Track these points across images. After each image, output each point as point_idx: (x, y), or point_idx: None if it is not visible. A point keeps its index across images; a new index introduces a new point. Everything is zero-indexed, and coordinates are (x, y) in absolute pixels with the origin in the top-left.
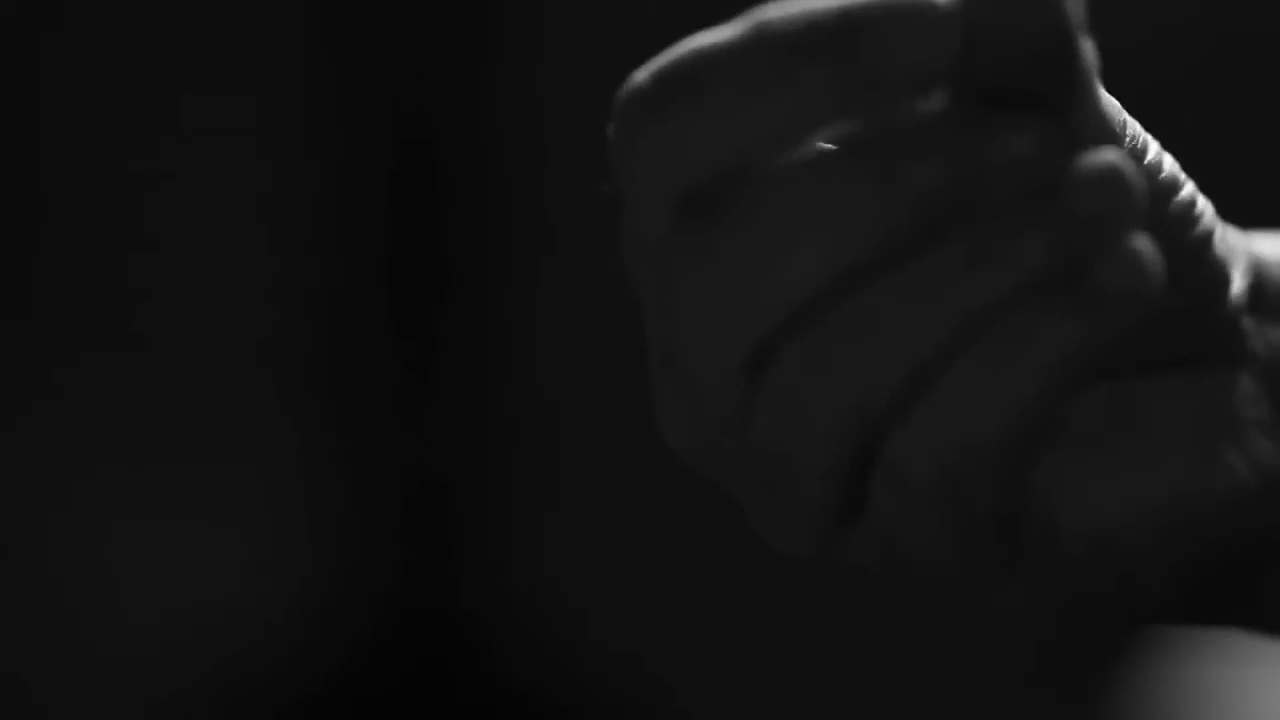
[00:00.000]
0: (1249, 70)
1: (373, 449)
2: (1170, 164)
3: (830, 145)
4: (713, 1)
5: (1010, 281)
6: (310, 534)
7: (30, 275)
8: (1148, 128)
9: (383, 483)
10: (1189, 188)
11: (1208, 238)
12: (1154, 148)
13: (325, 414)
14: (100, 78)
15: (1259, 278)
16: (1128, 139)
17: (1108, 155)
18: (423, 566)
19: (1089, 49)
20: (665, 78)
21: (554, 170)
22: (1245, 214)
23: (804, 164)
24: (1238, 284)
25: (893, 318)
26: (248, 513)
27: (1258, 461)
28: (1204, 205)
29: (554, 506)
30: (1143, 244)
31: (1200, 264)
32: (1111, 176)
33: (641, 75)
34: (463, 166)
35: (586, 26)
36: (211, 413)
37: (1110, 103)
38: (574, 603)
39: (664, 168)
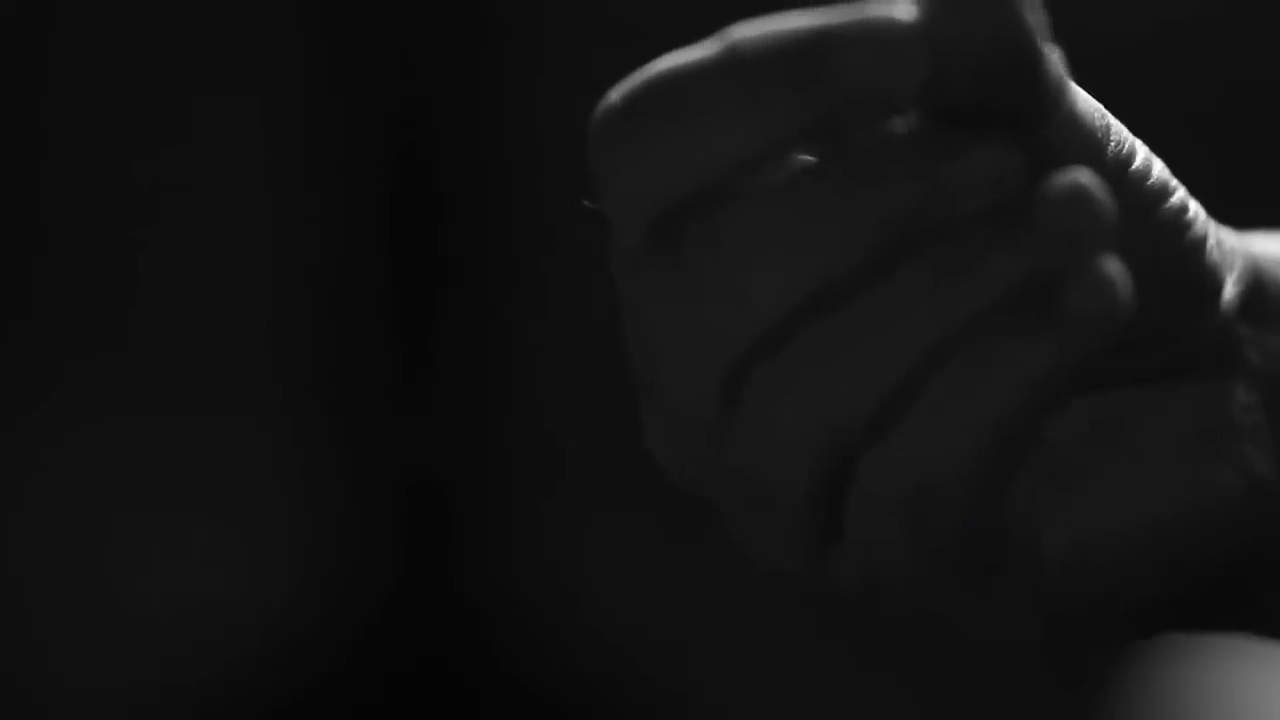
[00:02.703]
0: (1249, 70)
1: (373, 449)
2: (1160, 169)
3: (800, 167)
4: (710, 12)
5: (978, 302)
6: (310, 534)
7: (30, 275)
8: (1145, 126)
9: (383, 482)
10: (1180, 194)
11: (1199, 244)
12: (1141, 153)
13: (325, 414)
14: (101, 79)
15: (1257, 282)
16: (1112, 145)
17: (1077, 174)
18: (423, 566)
19: (1055, 61)
20: (636, 97)
21: (554, 167)
22: (1245, 214)
23: (771, 186)
24: (1230, 291)
25: (861, 339)
26: (247, 512)
27: (1248, 470)
28: (1196, 210)
29: (553, 505)
30: (1113, 266)
31: (1191, 271)
32: (1080, 196)
33: (614, 94)
34: (463, 166)
35: (587, 28)
36: (211, 413)
37: (1091, 110)
38: (574, 601)
39: (635, 188)
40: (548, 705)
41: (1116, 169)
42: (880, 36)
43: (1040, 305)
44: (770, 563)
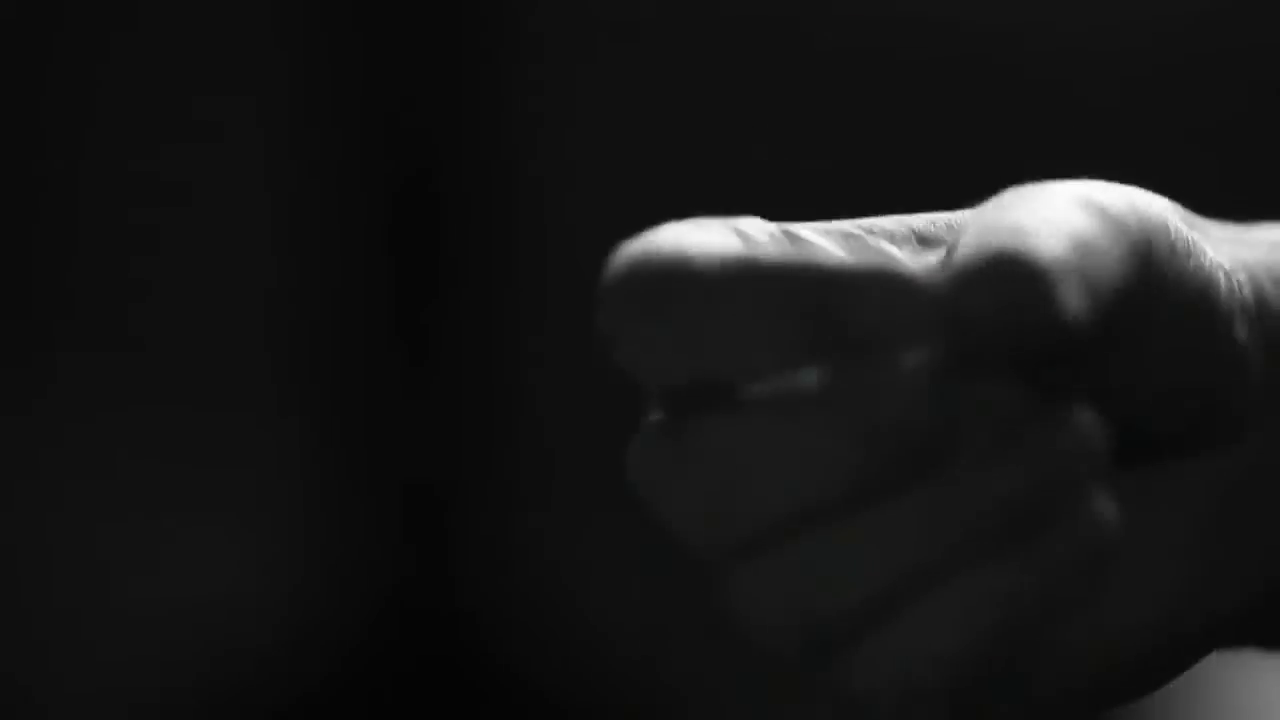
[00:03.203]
0: (1250, 71)
1: (373, 449)
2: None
3: (804, 385)
4: (705, 41)
5: (968, 535)
6: (310, 533)
7: (30, 275)
8: (1145, 127)
9: (383, 482)
10: (1207, 258)
11: (1231, 315)
12: (1178, 230)
13: (325, 414)
14: (101, 79)
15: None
16: (1160, 248)
17: (1075, 416)
18: (423, 566)
19: (1078, 321)
20: (647, 275)
21: (553, 171)
22: (1245, 215)
23: (777, 399)
24: (1257, 351)
25: (846, 560)
26: (248, 513)
27: (1270, 568)
28: (1223, 277)
29: (552, 506)
30: (1102, 506)
31: (1226, 342)
32: (1075, 438)
33: (625, 261)
34: (462, 168)
35: (588, 32)
36: (212, 413)
37: (1211, 278)
38: (573, 602)
39: (642, 364)
40: (547, 705)
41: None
42: (893, 291)
43: (1030, 542)
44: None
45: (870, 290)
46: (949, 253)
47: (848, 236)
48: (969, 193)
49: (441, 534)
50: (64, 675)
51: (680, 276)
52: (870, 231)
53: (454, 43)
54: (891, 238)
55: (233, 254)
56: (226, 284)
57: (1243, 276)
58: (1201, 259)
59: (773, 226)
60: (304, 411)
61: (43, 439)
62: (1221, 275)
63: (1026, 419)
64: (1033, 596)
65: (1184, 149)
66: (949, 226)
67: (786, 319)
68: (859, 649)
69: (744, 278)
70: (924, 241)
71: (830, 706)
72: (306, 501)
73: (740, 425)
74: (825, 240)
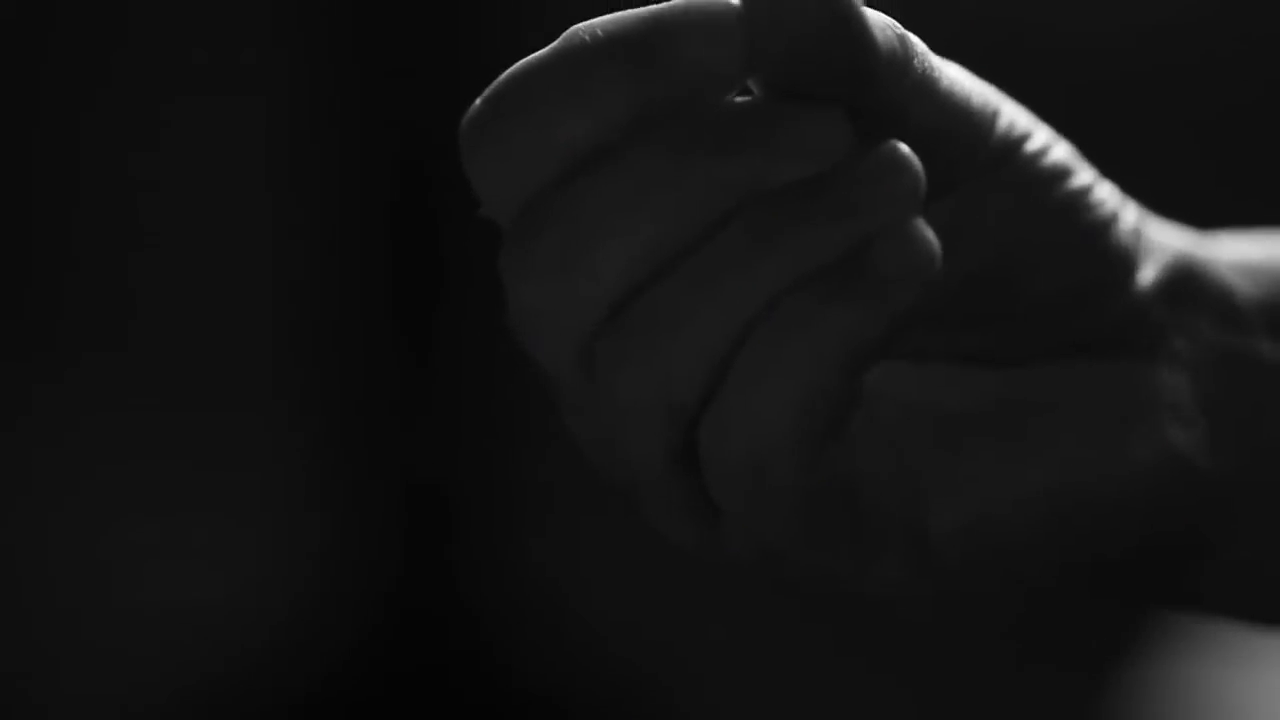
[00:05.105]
0: (1250, 70)
1: (373, 449)
2: (1063, 152)
3: (636, 145)
4: None
5: (791, 267)
6: (310, 534)
7: (29, 275)
8: (1145, 125)
9: (383, 483)
10: (1083, 176)
11: (1103, 224)
12: (1041, 136)
13: (325, 414)
14: (101, 78)
15: (1188, 272)
16: (1000, 125)
17: (890, 145)
18: (423, 566)
19: (887, 35)
20: (491, 98)
21: None
22: (1245, 214)
23: (605, 165)
24: (1147, 273)
25: (685, 309)
26: (247, 513)
27: (1165, 448)
28: (1105, 195)
29: (554, 506)
30: (919, 227)
31: (1095, 249)
32: (891, 163)
33: (477, 101)
34: (463, 168)
35: None
36: (211, 413)
37: (966, 91)
38: (574, 603)
39: (497, 183)
40: (548, 706)
41: (1004, 147)
42: (705, 20)
43: (852, 270)
44: (673, 537)
45: (683, 24)
46: None
47: None
48: None
49: (442, 535)
50: (63, 675)
51: (516, 81)
52: None
53: (454, 43)
54: None
55: (233, 254)
56: (227, 284)
57: (1134, 217)
58: (1046, 145)
59: None
60: (304, 412)
61: (42, 439)
62: (1090, 179)
63: (848, 150)
64: (855, 320)
65: (1184, 148)
66: None
67: (612, 82)
68: (706, 423)
69: (567, 56)
70: None
71: (686, 520)
72: (307, 502)
73: (580, 197)
74: None
